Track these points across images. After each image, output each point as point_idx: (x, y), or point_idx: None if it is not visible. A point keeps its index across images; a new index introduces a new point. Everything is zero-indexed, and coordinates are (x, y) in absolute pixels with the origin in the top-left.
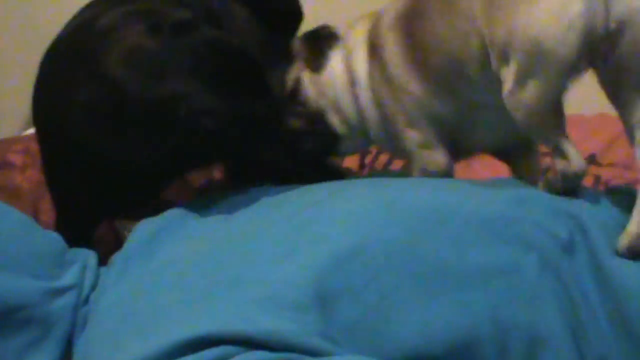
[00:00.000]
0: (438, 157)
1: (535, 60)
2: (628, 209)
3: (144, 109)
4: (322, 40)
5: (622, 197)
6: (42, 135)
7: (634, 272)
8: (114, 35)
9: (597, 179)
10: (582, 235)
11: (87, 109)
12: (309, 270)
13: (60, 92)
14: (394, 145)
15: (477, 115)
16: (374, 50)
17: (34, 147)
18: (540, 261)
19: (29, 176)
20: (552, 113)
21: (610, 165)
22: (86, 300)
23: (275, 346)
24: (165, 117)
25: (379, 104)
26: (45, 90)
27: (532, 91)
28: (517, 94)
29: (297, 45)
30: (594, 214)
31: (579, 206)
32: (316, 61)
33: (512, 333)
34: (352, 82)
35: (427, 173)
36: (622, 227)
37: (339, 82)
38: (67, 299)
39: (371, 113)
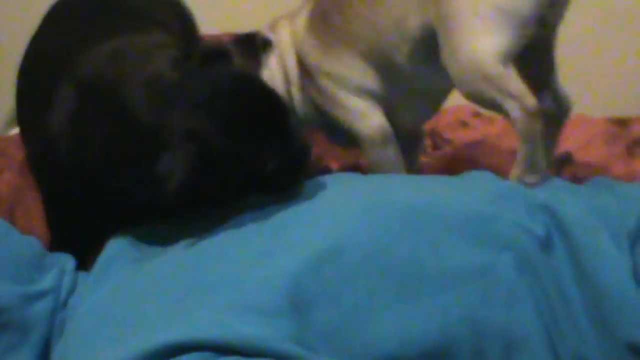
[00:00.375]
0: (373, 121)
1: (496, 20)
2: (605, 199)
3: (142, 134)
4: (258, 45)
5: (599, 189)
6: (40, 160)
7: (613, 267)
8: (134, 62)
9: (574, 176)
10: (559, 230)
11: (104, 139)
12: (283, 275)
13: (66, 120)
14: (334, 129)
15: (401, 100)
16: (299, 52)
17: (12, 150)
18: (517, 261)
19: (6, 180)
20: (507, 66)
21: (587, 164)
22: (64, 305)
23: (250, 352)
24: (152, 143)
25: (309, 98)
26: (36, 111)
27: (490, 48)
28: (470, 54)
29: (231, 47)
30: (571, 206)
31: (555, 199)
32: (254, 63)
33: (488, 335)
34: (288, 82)
35: (372, 143)
36: (600, 217)
37: (277, 82)
38: (45, 304)
39: (307, 109)
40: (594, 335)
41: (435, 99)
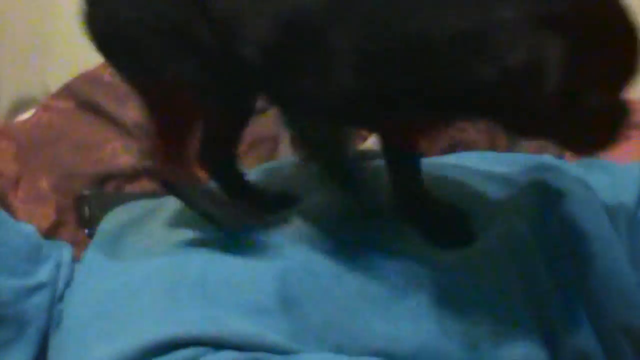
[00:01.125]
0: None
1: None
2: (599, 179)
3: None
4: None
5: (591, 168)
6: None
7: (609, 249)
8: None
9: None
10: (552, 209)
11: None
12: (274, 273)
13: None
14: None
15: None
16: None
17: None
18: (507, 244)
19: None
20: None
21: None
22: (61, 298)
23: (244, 346)
24: None
25: None
26: None
27: None
28: None
29: None
30: (564, 184)
31: (548, 178)
32: None
33: (478, 325)
34: None
35: None
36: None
37: None
38: (42, 297)
39: None
40: (588, 319)
41: None
